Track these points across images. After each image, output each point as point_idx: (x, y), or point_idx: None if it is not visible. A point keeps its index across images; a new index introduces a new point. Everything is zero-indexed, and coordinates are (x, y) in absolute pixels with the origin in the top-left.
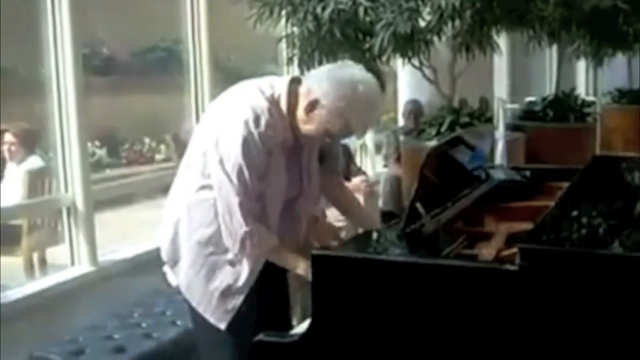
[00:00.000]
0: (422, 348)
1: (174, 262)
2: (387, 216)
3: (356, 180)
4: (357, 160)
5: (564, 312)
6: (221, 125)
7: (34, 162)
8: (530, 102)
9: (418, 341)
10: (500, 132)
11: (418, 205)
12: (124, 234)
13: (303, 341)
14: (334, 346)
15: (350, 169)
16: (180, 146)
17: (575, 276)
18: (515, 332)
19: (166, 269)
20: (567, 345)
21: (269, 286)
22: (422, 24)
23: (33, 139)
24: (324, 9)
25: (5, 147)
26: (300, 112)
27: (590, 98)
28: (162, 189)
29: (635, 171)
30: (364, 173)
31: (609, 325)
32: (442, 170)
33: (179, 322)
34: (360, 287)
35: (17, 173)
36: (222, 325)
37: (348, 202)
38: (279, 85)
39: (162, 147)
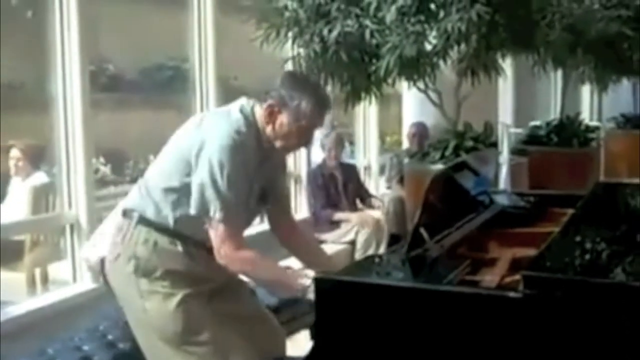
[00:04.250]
0: None
1: None
2: (391, 238)
3: (363, 215)
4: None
5: (568, 340)
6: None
7: (39, 178)
8: (535, 127)
9: None
10: (504, 157)
11: (422, 230)
12: None
13: None
14: None
15: (361, 193)
16: None
17: (579, 304)
18: (519, 358)
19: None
20: None
21: None
22: (428, 47)
23: (39, 155)
24: (330, 31)
25: (12, 163)
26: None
27: (595, 123)
28: None
29: (638, 197)
30: (374, 197)
31: (613, 353)
32: (447, 195)
33: None
34: (362, 311)
35: (22, 189)
36: None
37: (302, 244)
38: None
39: None
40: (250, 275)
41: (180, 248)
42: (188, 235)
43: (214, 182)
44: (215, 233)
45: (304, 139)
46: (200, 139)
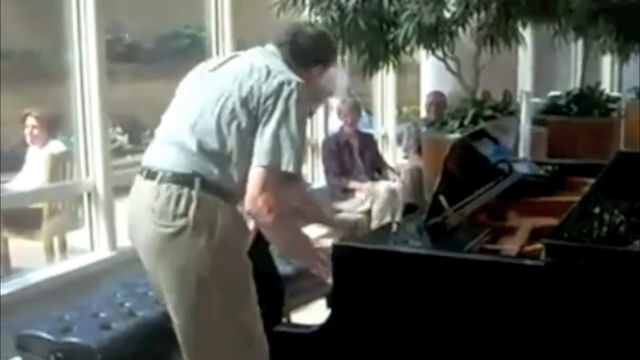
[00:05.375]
0: (442, 341)
1: None
2: (408, 208)
3: (373, 187)
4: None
5: (588, 308)
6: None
7: (57, 146)
8: (555, 97)
9: (437, 334)
10: (523, 126)
11: (441, 198)
12: None
13: (322, 331)
14: (352, 336)
15: (378, 164)
16: None
17: (601, 273)
18: (539, 326)
19: None
20: (590, 340)
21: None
22: (447, 15)
23: (56, 123)
24: None
25: (28, 131)
26: None
27: (615, 94)
28: None
29: None
30: (391, 169)
31: (633, 321)
32: (466, 163)
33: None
34: (380, 278)
35: (40, 157)
36: None
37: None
38: None
39: None
40: (279, 235)
41: (238, 214)
42: (239, 199)
43: (289, 131)
44: (266, 177)
45: None
46: (273, 88)
